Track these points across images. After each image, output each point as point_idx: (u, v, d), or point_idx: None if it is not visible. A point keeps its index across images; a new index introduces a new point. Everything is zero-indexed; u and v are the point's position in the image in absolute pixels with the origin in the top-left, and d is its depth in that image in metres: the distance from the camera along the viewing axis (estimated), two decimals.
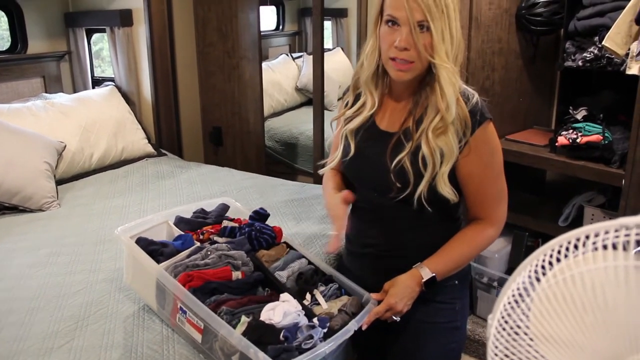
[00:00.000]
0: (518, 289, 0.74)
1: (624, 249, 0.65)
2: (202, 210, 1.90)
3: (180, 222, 1.81)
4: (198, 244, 1.68)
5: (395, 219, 1.51)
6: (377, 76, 1.48)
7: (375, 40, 1.41)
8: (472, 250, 1.52)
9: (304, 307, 1.46)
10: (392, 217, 1.51)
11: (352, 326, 1.40)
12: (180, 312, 1.48)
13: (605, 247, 0.66)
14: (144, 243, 1.63)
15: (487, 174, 1.45)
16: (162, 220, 1.80)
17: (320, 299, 1.54)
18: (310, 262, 1.69)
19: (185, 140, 3.88)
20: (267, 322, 1.37)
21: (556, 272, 0.69)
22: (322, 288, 1.59)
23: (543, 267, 0.71)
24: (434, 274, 1.45)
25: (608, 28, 2.26)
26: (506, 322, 0.75)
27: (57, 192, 2.74)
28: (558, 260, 0.70)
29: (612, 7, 2.34)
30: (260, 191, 2.79)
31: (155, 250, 1.61)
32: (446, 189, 1.40)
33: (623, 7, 2.21)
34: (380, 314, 1.45)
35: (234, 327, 1.36)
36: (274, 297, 1.48)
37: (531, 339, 0.72)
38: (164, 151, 3.56)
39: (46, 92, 3.51)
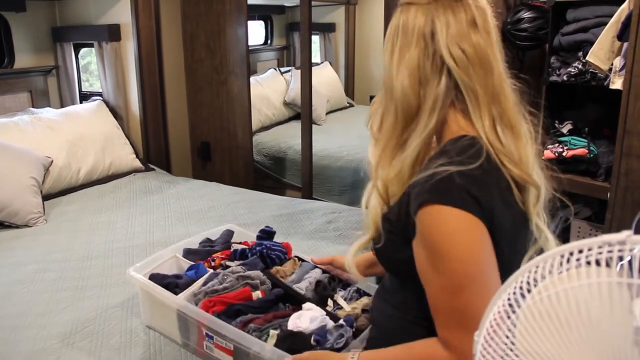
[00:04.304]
0: (504, 305, 0.74)
1: (607, 265, 0.66)
2: (208, 240, 1.91)
3: (188, 253, 1.81)
4: (211, 270, 1.67)
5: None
6: None
7: None
8: None
9: (327, 313, 1.46)
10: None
11: None
12: (207, 338, 1.47)
13: (589, 263, 0.67)
14: (157, 278, 1.62)
15: (432, 279, 1.01)
16: (171, 255, 1.79)
17: (342, 303, 1.54)
18: (324, 271, 1.69)
19: (174, 155, 3.87)
20: (295, 330, 1.37)
21: (541, 289, 0.70)
22: (341, 293, 1.60)
23: (528, 283, 0.72)
24: None
25: (591, 43, 2.30)
26: (492, 338, 0.75)
27: (43, 208, 2.72)
28: (543, 277, 0.70)
29: (595, 23, 2.38)
30: (249, 206, 2.78)
31: (170, 283, 1.60)
32: (347, 260, 1.24)
33: (605, 24, 2.25)
34: None
35: (264, 342, 1.36)
36: (297, 311, 1.48)
37: (517, 356, 0.72)
38: (152, 166, 3.55)
39: (33, 106, 3.49)
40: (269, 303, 1.53)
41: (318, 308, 1.46)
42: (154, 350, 1.56)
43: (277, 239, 2.31)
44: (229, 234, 1.93)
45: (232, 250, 1.79)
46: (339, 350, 1.31)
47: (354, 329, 1.40)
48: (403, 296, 1.18)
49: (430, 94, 1.06)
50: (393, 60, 1.09)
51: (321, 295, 1.57)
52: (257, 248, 1.74)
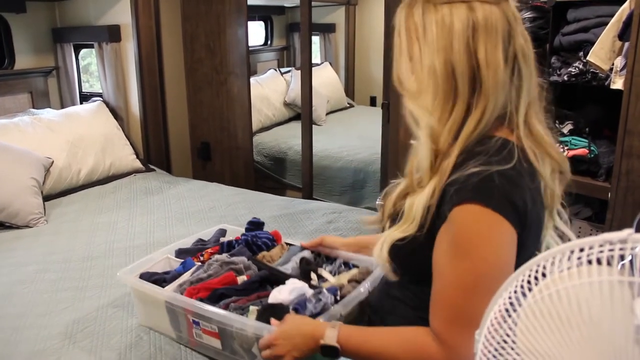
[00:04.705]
0: (505, 304, 0.74)
1: (608, 263, 0.66)
2: (200, 240, 1.91)
3: (180, 253, 1.81)
4: (199, 264, 1.67)
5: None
6: None
7: None
8: (398, 354, 1.09)
9: (311, 286, 1.43)
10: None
11: (363, 287, 1.39)
12: (195, 326, 1.46)
13: (590, 262, 0.67)
14: (146, 276, 1.63)
15: (448, 273, 1.02)
16: (163, 257, 1.79)
17: (327, 275, 1.53)
18: (314, 253, 1.67)
19: (174, 155, 3.87)
20: (275, 303, 1.36)
21: (542, 287, 0.70)
22: (328, 267, 1.59)
23: (529, 282, 0.72)
24: (336, 346, 1.13)
25: (592, 43, 2.30)
26: (493, 337, 0.75)
27: (44, 209, 2.72)
28: (544, 275, 0.70)
29: (595, 23, 2.37)
30: (249, 206, 2.78)
31: (158, 279, 1.61)
32: (382, 256, 1.14)
33: (606, 23, 2.24)
34: (262, 347, 1.24)
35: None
36: None
37: (518, 354, 0.72)
38: (152, 166, 3.55)
39: (33, 107, 3.49)
40: (253, 285, 1.51)
41: (300, 281, 1.44)
42: (154, 350, 1.56)
43: None
44: (222, 233, 1.93)
45: (220, 244, 1.78)
46: (318, 315, 1.30)
47: (337, 297, 1.38)
48: (415, 293, 1.17)
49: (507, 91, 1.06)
50: (480, 59, 1.03)
51: (305, 269, 1.54)
52: (243, 237, 1.74)
